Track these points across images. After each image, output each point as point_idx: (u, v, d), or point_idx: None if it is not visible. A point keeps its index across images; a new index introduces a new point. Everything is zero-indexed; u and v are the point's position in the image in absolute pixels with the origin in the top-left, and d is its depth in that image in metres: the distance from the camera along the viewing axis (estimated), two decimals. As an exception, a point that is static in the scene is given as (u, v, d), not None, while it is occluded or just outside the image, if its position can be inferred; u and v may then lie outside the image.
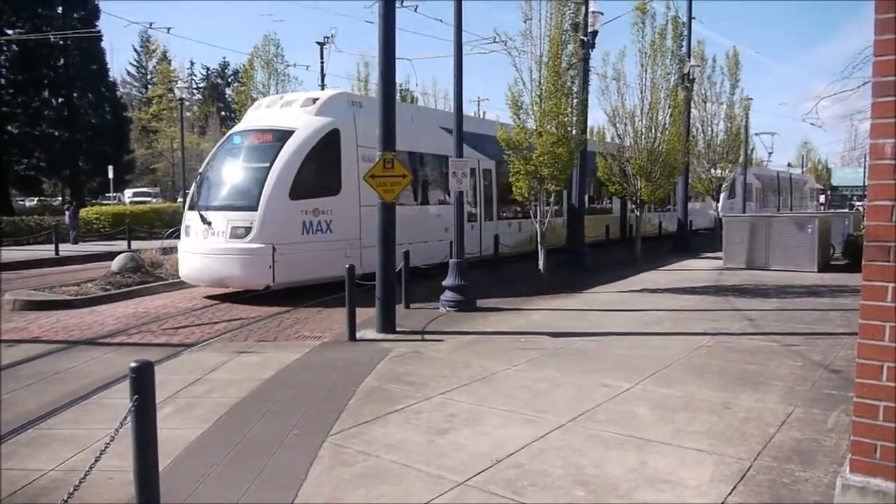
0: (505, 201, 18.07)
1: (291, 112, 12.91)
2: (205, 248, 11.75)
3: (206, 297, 12.29)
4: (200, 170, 13.56)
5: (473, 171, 15.97)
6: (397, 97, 12.68)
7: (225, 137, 13.83)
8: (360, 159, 12.65)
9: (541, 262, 13.52)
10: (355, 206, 12.66)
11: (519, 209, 18.40)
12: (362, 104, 13.53)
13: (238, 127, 13.87)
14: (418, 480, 4.17)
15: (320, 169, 12.50)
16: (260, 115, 13.53)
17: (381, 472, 4.30)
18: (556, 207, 14.82)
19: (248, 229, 11.40)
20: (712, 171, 24.91)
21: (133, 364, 3.28)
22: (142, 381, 3.26)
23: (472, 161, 15.44)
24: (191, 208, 12.54)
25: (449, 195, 15.15)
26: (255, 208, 11.48)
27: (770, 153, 43.55)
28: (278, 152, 11.90)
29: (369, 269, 11.95)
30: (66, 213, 25.38)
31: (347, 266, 8.73)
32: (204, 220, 11.80)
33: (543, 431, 4.96)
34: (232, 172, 12.65)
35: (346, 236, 12.49)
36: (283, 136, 12.19)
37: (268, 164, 11.87)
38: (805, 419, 5.17)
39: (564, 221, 18.43)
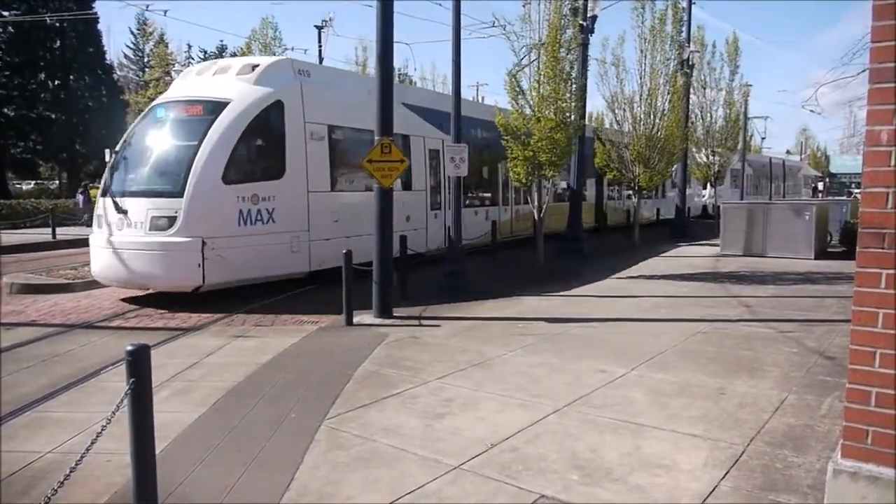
0: (469, 186, 16.42)
1: (226, 80, 11.02)
2: (120, 241, 9.91)
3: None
4: (116, 148, 11.54)
5: (437, 154, 14.86)
6: (356, 70, 12.01)
7: (147, 110, 11.72)
8: (308, 137, 11.26)
9: (539, 249, 13.52)
10: (302, 192, 11.16)
11: (486, 195, 17.46)
12: (310, 73, 11.84)
13: (163, 97, 11.78)
14: (414, 464, 4.19)
15: (260, 148, 10.99)
16: (189, 84, 11.56)
17: (378, 456, 4.33)
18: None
19: (171, 219, 9.66)
20: (707, 156, 24.78)
21: (129, 347, 3.28)
22: (138, 364, 3.26)
23: (435, 141, 14.69)
24: (104, 194, 10.68)
25: (412, 179, 14.06)
26: (180, 194, 9.72)
27: (763, 138, 43.37)
28: (209, 127, 10.10)
29: (319, 266, 11.22)
30: (81, 196, 25.33)
31: (345, 251, 8.68)
32: (119, 208, 9.99)
33: (539, 416, 4.99)
34: (153, 151, 10.71)
35: (291, 227, 10.94)
36: (216, 108, 10.36)
37: (197, 142, 10.06)
38: (799, 405, 5.20)
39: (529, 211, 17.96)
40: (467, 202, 16.03)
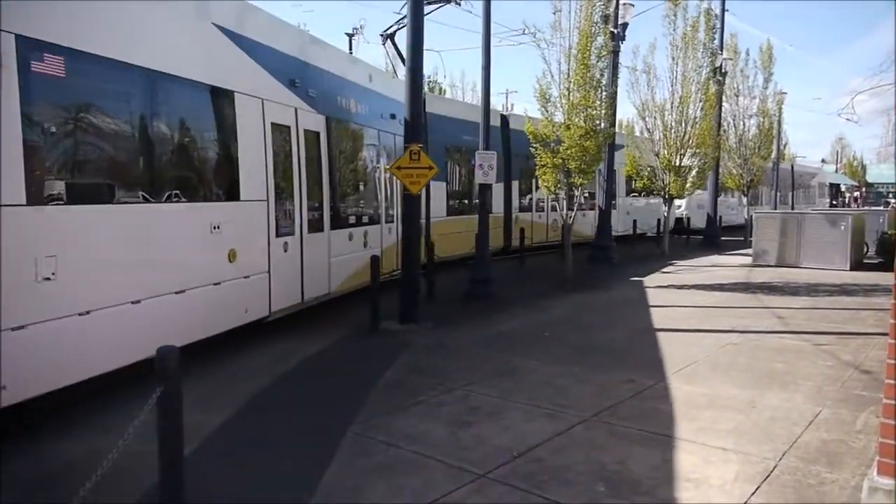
0: (347, 194, 10.46)
1: None
2: None
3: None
4: None
5: (287, 131, 8.43)
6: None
7: None
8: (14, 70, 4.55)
9: (567, 258, 13.41)
10: None
11: (370, 209, 11.18)
12: None
13: None
14: (439, 472, 4.17)
15: None
16: None
17: (403, 463, 4.32)
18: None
19: None
20: (740, 165, 23.84)
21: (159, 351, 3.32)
22: (167, 367, 3.30)
23: (285, 110, 8.34)
24: None
25: (240, 180, 7.39)
26: None
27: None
28: None
29: (25, 393, 4.64)
30: None
31: (371, 256, 8.63)
32: None
33: (565, 426, 4.94)
34: None
35: None
36: None
37: None
38: (833, 420, 5.08)
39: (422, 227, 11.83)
40: (344, 220, 10.09)
